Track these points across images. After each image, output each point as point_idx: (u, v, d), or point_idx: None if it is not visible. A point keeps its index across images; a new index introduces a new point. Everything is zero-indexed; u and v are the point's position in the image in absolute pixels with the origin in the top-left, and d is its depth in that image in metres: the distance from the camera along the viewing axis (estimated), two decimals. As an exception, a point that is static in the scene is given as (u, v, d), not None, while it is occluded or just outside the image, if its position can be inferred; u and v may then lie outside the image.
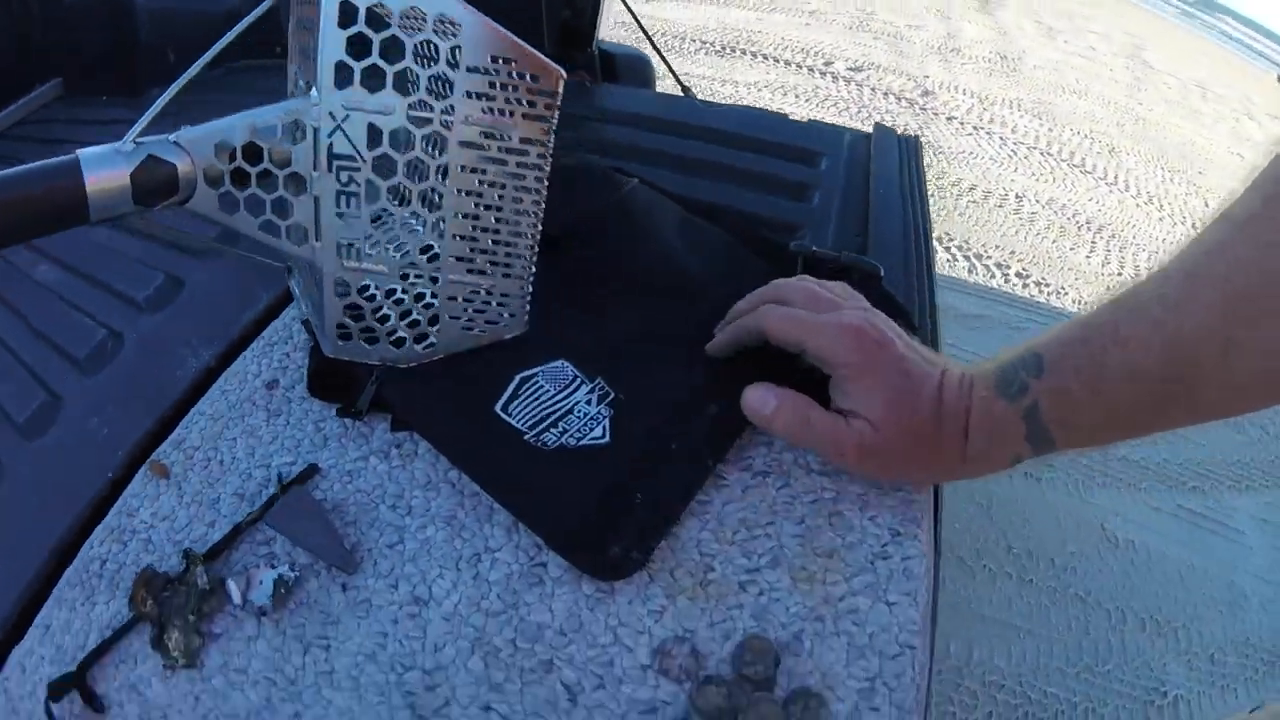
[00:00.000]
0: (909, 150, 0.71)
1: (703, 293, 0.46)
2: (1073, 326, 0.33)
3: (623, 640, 0.35)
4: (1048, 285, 1.93)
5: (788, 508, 0.39)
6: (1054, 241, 2.05)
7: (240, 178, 0.37)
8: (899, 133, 0.76)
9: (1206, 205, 2.33)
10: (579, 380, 0.41)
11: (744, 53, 2.79)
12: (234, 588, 0.36)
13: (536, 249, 0.41)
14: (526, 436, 0.37)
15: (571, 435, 0.38)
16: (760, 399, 0.38)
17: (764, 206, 0.63)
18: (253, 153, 0.37)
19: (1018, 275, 1.87)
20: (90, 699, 0.36)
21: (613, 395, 0.40)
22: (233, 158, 0.36)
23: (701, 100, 0.80)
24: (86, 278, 0.54)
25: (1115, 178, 2.51)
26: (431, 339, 0.41)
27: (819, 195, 0.65)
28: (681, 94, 0.85)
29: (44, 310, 0.53)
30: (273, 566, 0.36)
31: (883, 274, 0.49)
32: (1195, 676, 1.04)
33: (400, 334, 0.41)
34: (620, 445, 0.39)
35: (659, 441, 0.39)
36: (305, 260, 0.39)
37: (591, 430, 0.39)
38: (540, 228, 0.40)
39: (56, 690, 0.35)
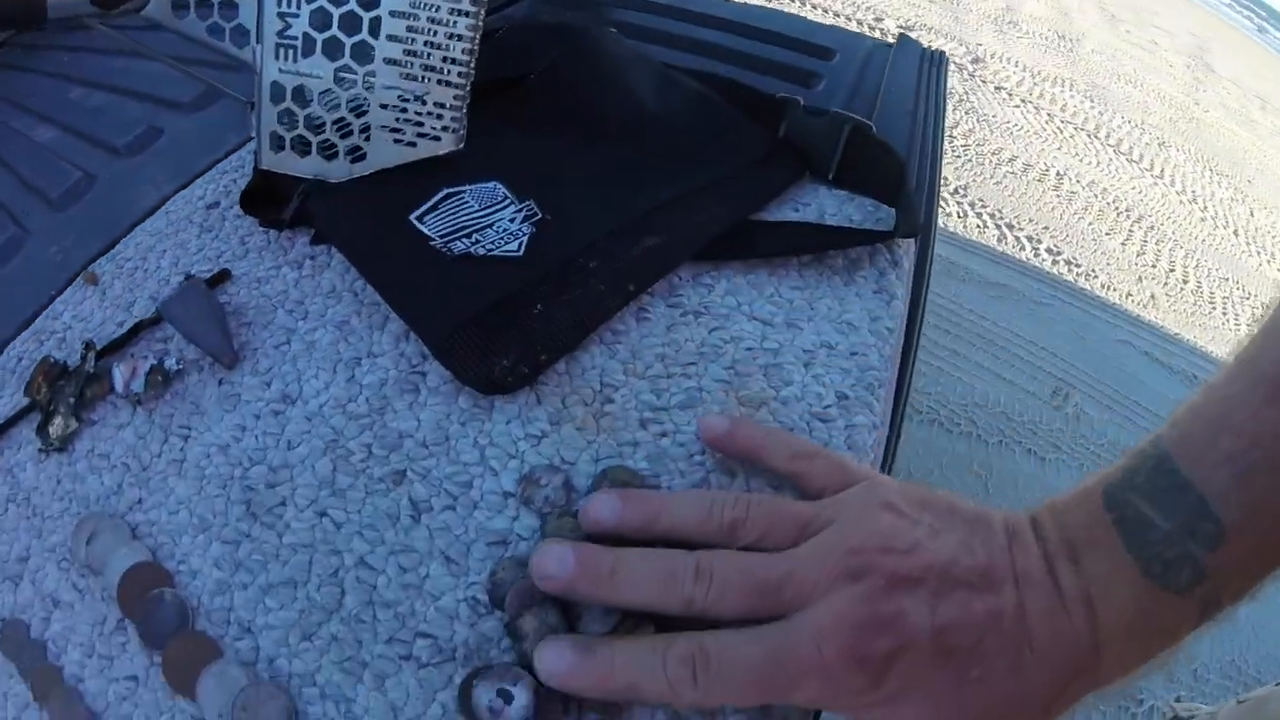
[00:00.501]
0: (932, 63, 0.67)
1: (669, 136, 0.44)
2: (1233, 442, 0.24)
3: (489, 461, 0.33)
4: (1078, 265, 1.90)
5: (716, 351, 0.36)
6: (1090, 224, 2.14)
7: (192, -17, 0.40)
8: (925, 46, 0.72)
9: (1251, 215, 2.35)
10: (509, 201, 0.40)
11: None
12: (119, 376, 0.37)
13: (474, 56, 0.41)
14: (433, 243, 0.37)
15: (482, 246, 0.37)
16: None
17: (764, 86, 0.61)
18: (204, -43, 0.39)
19: (1048, 251, 1.95)
20: (-32, 481, 0.37)
21: (539, 215, 0.39)
22: (186, -37, 0.39)
23: None
24: (79, 134, 0.59)
25: (1161, 171, 2.51)
26: (363, 151, 0.42)
27: (825, 85, 0.62)
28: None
29: (33, 162, 0.58)
30: (161, 362, 0.37)
31: (874, 130, 0.45)
32: (1175, 689, 1.05)
33: (332, 145, 0.42)
34: (531, 258, 0.38)
35: (577, 259, 0.38)
36: (247, 63, 0.41)
37: (506, 244, 0.38)
38: (480, 32, 0.40)
39: (-61, 469, 0.37)
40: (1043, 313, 1.70)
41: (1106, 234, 2.11)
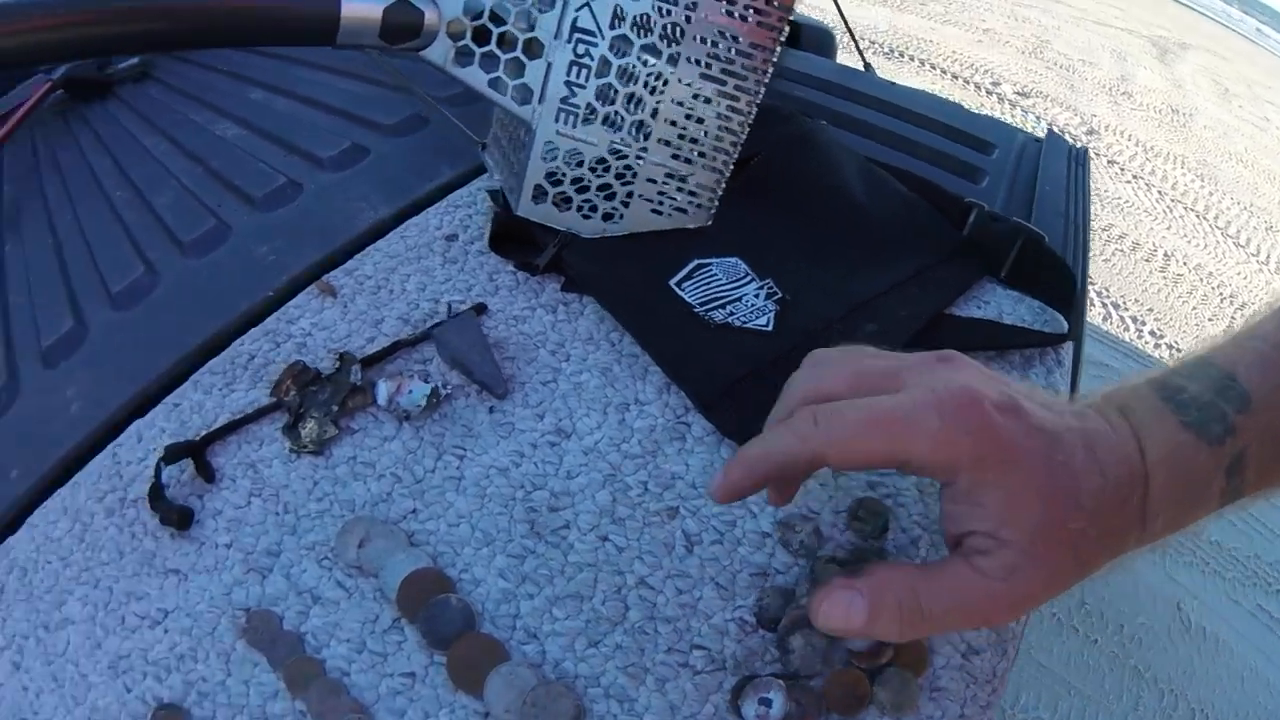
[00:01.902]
0: (1078, 160, 0.83)
1: (876, 226, 0.59)
2: (1261, 344, 0.34)
3: (749, 505, 0.46)
4: (1179, 351, 2.20)
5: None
6: (1194, 308, 2.51)
7: (481, 35, 0.54)
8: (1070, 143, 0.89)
9: (1359, 312, 2.62)
10: (750, 278, 0.53)
11: (912, 59, 3.43)
12: (383, 390, 0.49)
13: (739, 149, 0.55)
14: (695, 309, 0.49)
15: (737, 317, 0.50)
16: (843, 609, 0.35)
17: (934, 178, 0.76)
18: (497, 15, 0.54)
19: (1151, 333, 2.29)
20: (203, 468, 0.48)
21: (780, 294, 0.52)
22: (478, 17, 0.53)
23: (881, 78, 0.96)
24: (271, 137, 0.73)
25: (1268, 258, 2.89)
26: (620, 216, 0.55)
27: (988, 180, 0.77)
28: (862, 69, 1.02)
29: (224, 157, 0.72)
30: (425, 380, 0.49)
31: (1046, 240, 0.59)
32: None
33: (592, 205, 0.55)
34: (781, 335, 0.51)
35: (819, 335, 0.51)
36: (521, 119, 0.55)
37: (756, 319, 0.51)
38: (748, 130, 0.54)
39: (173, 454, 0.48)
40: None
41: (1210, 320, 2.45)
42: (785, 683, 0.40)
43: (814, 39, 1.10)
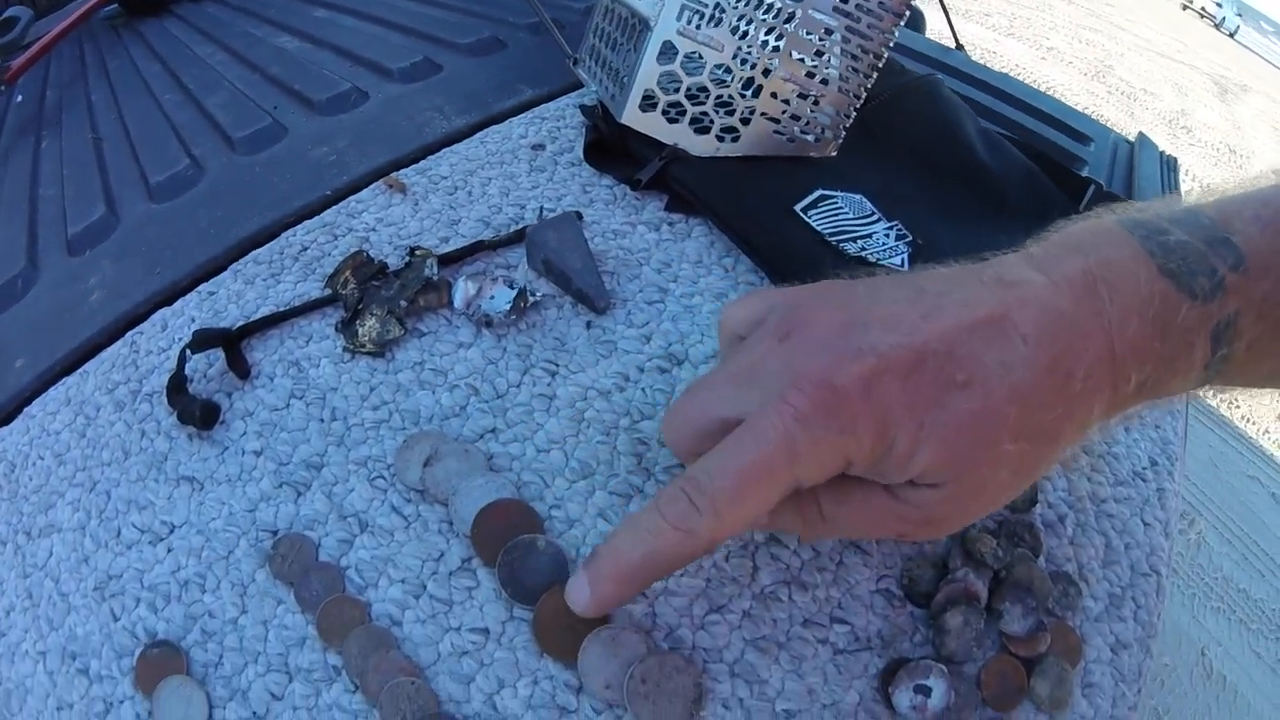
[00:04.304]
0: (1169, 166, 0.74)
1: (998, 186, 0.50)
2: (1261, 208, 0.26)
3: None
4: (1222, 393, 2.00)
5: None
6: None
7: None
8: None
9: None
10: (877, 216, 0.43)
11: (974, 69, 3.29)
12: (462, 290, 0.37)
13: (873, 77, 0.44)
14: (826, 236, 0.38)
15: (871, 253, 0.39)
16: None
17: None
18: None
19: None
20: (237, 361, 0.36)
21: (910, 238, 0.41)
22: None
23: (973, 59, 0.87)
24: (335, 49, 0.61)
25: None
26: (738, 134, 0.44)
27: (1087, 170, 0.67)
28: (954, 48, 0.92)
29: (284, 64, 0.60)
30: (510, 286, 0.37)
31: None
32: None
33: (709, 119, 0.44)
34: None
35: None
36: (638, 13, 0.43)
37: (891, 257, 0.41)
38: (884, 58, 0.43)
39: (202, 341, 0.36)
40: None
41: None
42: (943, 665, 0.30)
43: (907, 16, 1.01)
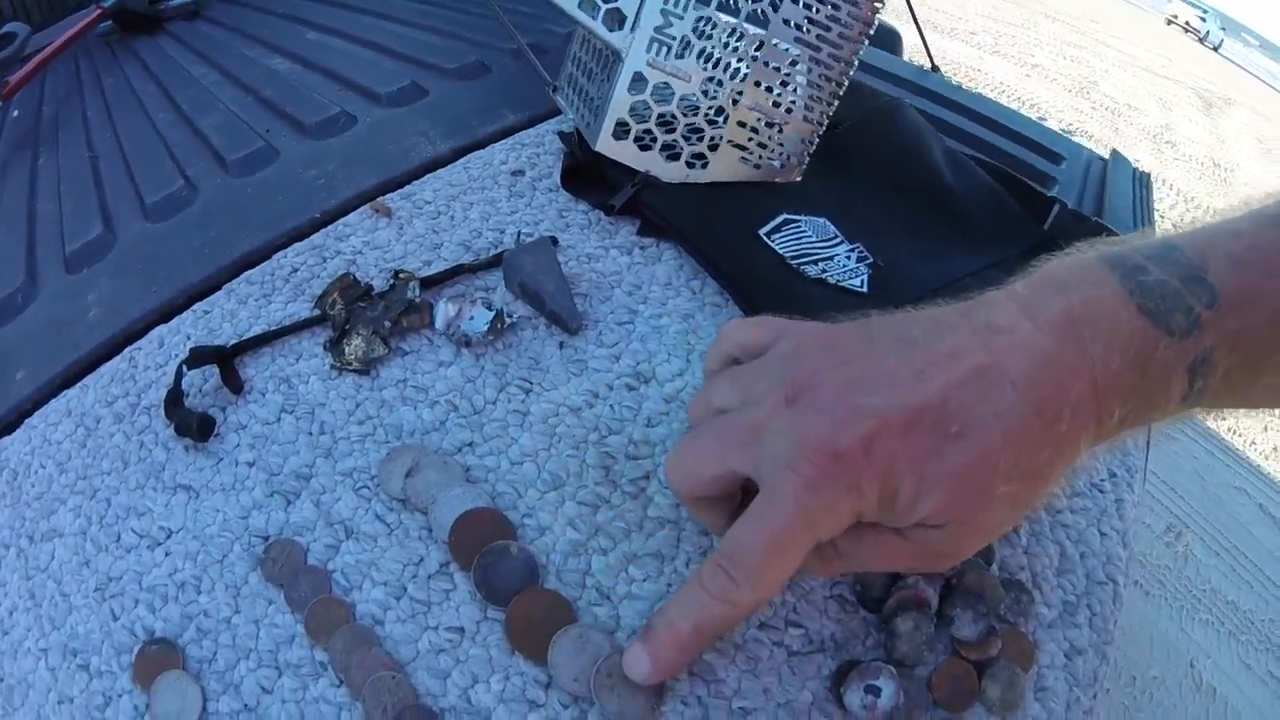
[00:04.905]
0: (1143, 183, 0.77)
1: (963, 209, 0.52)
2: (1232, 243, 0.28)
3: None
4: (1225, 418, 2.06)
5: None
6: None
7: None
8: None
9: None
10: (840, 239, 0.46)
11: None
12: (442, 312, 0.39)
13: (834, 104, 0.46)
14: (788, 259, 0.41)
15: (832, 275, 0.42)
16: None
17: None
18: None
19: None
20: (231, 377, 0.38)
21: (871, 260, 0.44)
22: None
23: (949, 80, 0.89)
24: (326, 72, 0.63)
25: None
26: (706, 160, 0.47)
27: (1058, 189, 0.70)
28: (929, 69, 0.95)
29: (276, 87, 0.62)
30: (488, 308, 0.39)
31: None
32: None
33: (678, 148, 0.46)
34: (874, 295, 0.42)
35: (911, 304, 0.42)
36: (611, 47, 0.46)
37: (851, 279, 0.43)
38: (846, 84, 0.46)
39: (198, 358, 0.38)
40: (1169, 447, 1.86)
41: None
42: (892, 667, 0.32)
43: (882, 37, 1.03)
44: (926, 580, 0.34)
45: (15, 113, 0.78)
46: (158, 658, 0.33)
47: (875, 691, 0.31)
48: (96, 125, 0.69)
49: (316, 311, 0.42)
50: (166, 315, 0.45)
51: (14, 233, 0.59)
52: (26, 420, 0.43)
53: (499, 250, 0.44)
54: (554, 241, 0.45)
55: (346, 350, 0.40)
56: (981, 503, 0.27)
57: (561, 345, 0.40)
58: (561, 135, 0.53)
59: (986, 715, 0.32)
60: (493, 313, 0.40)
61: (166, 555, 0.36)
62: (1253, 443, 2.04)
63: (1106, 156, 0.82)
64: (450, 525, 0.33)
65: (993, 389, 0.26)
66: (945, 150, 0.59)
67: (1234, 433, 2.02)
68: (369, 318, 0.41)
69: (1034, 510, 0.30)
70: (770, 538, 0.27)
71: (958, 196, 0.55)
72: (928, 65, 0.92)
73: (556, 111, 0.57)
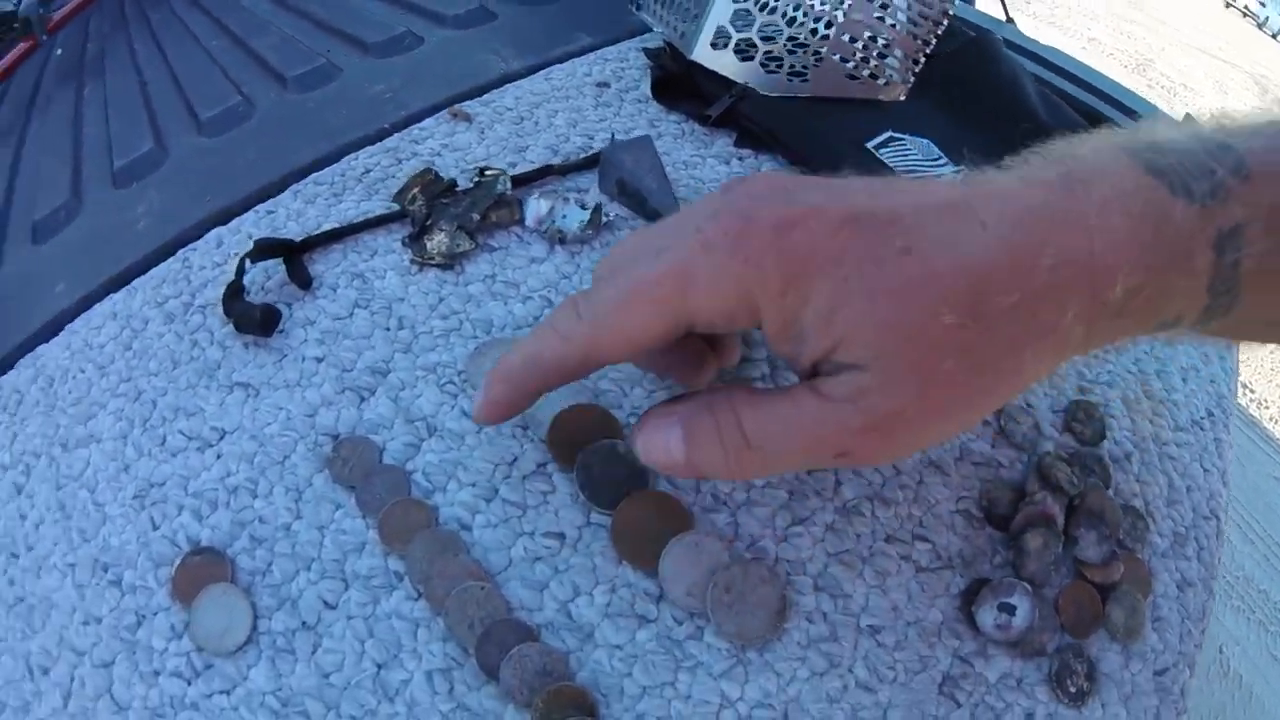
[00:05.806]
0: None
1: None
2: (1262, 121, 0.24)
3: None
4: (1253, 391, 2.03)
5: (1128, 349, 0.41)
6: (1271, 351, 2.33)
7: None
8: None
9: None
10: (945, 160, 0.41)
11: (1016, 58, 3.33)
12: (534, 208, 0.36)
13: (942, 24, 0.43)
14: (900, 175, 0.37)
15: None
16: (661, 443, 0.24)
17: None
18: None
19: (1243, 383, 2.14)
20: (298, 272, 0.35)
21: None
22: None
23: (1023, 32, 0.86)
24: None
25: None
26: (807, 75, 0.43)
27: None
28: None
29: (334, 8, 0.59)
30: (582, 206, 0.35)
31: None
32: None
33: (778, 59, 0.43)
34: None
35: None
36: None
37: None
38: (953, 4, 0.43)
39: (263, 250, 0.35)
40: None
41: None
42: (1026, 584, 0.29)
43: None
44: (1053, 497, 0.31)
45: (59, 51, 0.76)
46: (202, 569, 0.29)
47: (1010, 610, 0.28)
48: (145, 57, 0.66)
49: (395, 206, 0.38)
50: (225, 218, 0.41)
51: (58, 155, 0.56)
52: (68, 326, 0.39)
53: (591, 153, 0.40)
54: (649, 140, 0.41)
55: (429, 245, 0.36)
56: (921, 330, 0.21)
57: (665, 244, 0.36)
58: (647, 51, 0.50)
59: (1109, 641, 0.30)
60: (587, 210, 0.36)
61: (218, 458, 0.32)
62: (1296, 434, 2.01)
63: (1181, 120, 0.78)
64: (549, 421, 0.29)
65: (960, 225, 0.21)
66: (1038, 89, 0.56)
67: (1275, 421, 1.98)
68: (453, 213, 0.37)
69: (1004, 401, 0.24)
70: (635, 281, 0.23)
71: (1051, 133, 0.51)
72: (1003, 18, 0.88)
73: (634, 34, 0.54)
